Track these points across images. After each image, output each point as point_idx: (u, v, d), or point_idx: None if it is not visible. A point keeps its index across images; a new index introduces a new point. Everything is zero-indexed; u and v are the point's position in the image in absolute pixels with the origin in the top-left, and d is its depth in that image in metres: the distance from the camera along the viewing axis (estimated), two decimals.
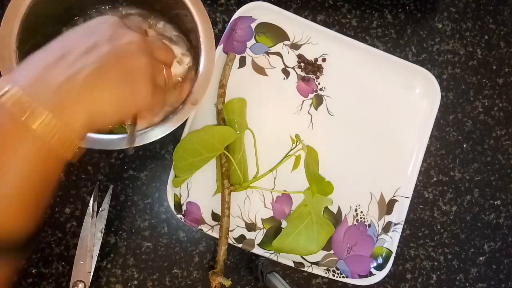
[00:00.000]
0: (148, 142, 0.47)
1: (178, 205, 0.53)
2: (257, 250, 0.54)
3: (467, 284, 0.61)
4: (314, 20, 0.61)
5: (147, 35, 0.44)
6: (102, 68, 0.31)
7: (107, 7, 0.54)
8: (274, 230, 0.56)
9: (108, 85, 0.31)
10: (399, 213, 0.58)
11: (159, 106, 0.40)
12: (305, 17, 0.59)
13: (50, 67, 0.30)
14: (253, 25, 0.58)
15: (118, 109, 0.33)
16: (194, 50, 0.55)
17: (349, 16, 0.62)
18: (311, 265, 0.55)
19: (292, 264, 0.54)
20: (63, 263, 0.54)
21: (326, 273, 0.55)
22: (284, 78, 0.58)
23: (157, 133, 0.47)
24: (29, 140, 0.27)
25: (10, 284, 0.27)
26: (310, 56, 0.59)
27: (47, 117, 0.28)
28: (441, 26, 0.64)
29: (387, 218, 0.58)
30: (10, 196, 0.27)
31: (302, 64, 0.58)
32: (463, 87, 0.64)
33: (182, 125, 0.49)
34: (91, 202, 0.53)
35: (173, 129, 0.47)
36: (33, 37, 0.48)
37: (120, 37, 0.33)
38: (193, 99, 0.48)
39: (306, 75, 0.59)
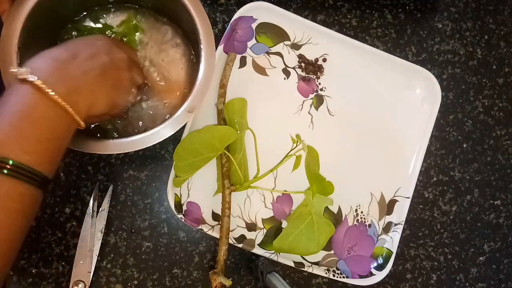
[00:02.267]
0: (144, 147, 0.47)
1: (178, 205, 0.53)
2: (257, 250, 0.54)
3: (467, 284, 0.61)
4: (314, 20, 0.61)
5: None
6: (103, 73, 0.43)
7: (108, 9, 0.54)
8: (274, 230, 0.56)
9: (105, 88, 0.44)
10: (399, 213, 0.58)
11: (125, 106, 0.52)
12: (305, 17, 0.59)
13: (66, 63, 0.41)
14: (254, 25, 0.58)
15: (107, 106, 0.45)
16: (194, 51, 0.55)
17: (349, 16, 0.62)
18: (311, 265, 0.55)
19: (292, 264, 0.54)
20: (63, 263, 0.54)
21: (326, 273, 0.55)
22: (284, 78, 0.58)
23: (154, 139, 0.47)
24: (51, 110, 0.39)
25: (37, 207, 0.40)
26: (310, 56, 0.59)
27: (62, 95, 0.38)
28: (441, 26, 0.64)
29: (388, 218, 0.58)
30: (42, 141, 0.38)
31: (303, 64, 0.58)
32: (463, 87, 0.64)
33: (183, 125, 0.49)
34: (91, 202, 0.53)
35: (169, 136, 0.47)
36: (34, 38, 0.48)
37: (115, 53, 0.46)
38: (190, 107, 0.48)
39: (306, 75, 0.59)
